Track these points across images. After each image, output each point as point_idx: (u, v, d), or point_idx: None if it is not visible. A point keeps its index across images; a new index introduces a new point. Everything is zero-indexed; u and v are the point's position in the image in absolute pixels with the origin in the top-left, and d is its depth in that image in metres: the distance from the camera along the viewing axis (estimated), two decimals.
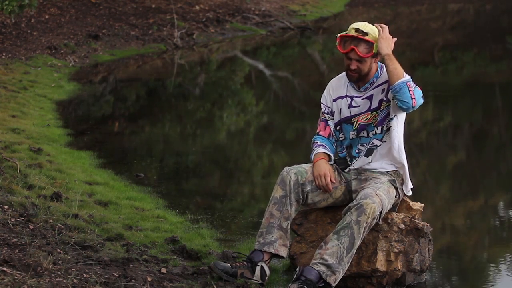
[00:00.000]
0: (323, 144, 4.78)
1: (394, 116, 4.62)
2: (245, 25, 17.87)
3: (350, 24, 4.65)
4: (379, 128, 4.66)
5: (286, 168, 4.68)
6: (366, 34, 4.55)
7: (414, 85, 4.49)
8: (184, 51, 15.46)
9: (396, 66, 4.49)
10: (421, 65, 14.21)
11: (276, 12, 19.31)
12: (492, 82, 12.54)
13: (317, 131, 4.86)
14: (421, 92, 4.54)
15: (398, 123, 4.66)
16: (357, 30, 4.57)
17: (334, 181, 4.66)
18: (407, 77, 4.49)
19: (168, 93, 12.01)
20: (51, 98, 10.37)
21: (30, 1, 12.79)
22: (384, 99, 4.62)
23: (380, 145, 4.67)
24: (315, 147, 4.79)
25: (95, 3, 17.03)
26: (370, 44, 4.55)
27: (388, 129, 4.65)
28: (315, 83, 12.71)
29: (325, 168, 4.65)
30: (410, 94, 4.45)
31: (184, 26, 16.49)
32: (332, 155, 4.76)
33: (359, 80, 4.66)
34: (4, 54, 12.59)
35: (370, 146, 4.69)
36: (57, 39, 14.27)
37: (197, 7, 18.14)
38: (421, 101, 4.51)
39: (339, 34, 4.63)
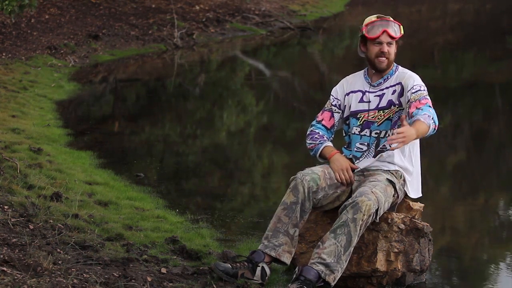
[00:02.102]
0: (325, 136, 4.79)
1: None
2: (245, 25, 17.86)
3: (364, 20, 4.72)
4: (392, 131, 4.67)
5: (299, 174, 4.62)
6: (389, 17, 4.69)
7: (432, 113, 4.45)
8: (184, 51, 15.45)
9: (423, 131, 4.42)
10: (421, 65, 14.20)
11: (276, 12, 19.30)
12: (492, 82, 12.53)
13: (319, 119, 4.85)
14: (435, 111, 4.52)
15: None
16: (378, 16, 4.69)
17: (356, 167, 4.70)
18: (431, 127, 4.42)
19: (168, 93, 12.00)
20: (51, 98, 10.37)
21: (30, 1, 12.78)
22: (396, 102, 4.64)
23: (389, 149, 4.68)
24: (320, 139, 4.77)
25: (95, 3, 17.03)
26: (397, 25, 4.65)
27: None
28: (315, 83, 12.70)
29: (346, 162, 4.68)
30: (433, 130, 4.44)
31: (184, 26, 16.48)
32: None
33: (386, 68, 4.68)
34: (4, 54, 12.59)
35: (380, 148, 4.70)
36: (57, 39, 14.27)
37: (197, 7, 18.14)
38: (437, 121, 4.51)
39: (364, 25, 4.67)
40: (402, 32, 4.68)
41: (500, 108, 10.68)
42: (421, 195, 4.82)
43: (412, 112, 4.47)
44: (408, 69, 4.78)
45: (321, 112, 4.89)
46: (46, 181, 6.03)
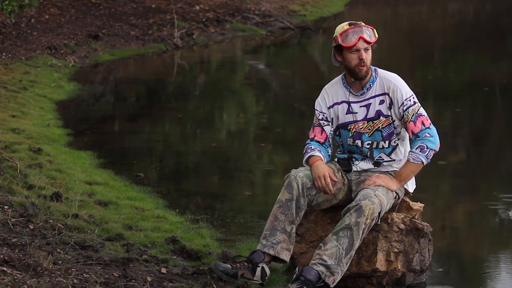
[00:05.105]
0: (317, 149, 4.74)
1: (399, 134, 4.68)
2: (245, 25, 17.86)
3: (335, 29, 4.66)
4: (387, 142, 4.66)
5: (293, 171, 4.63)
6: (361, 22, 4.60)
7: (428, 140, 4.54)
8: (184, 51, 15.45)
9: (410, 173, 4.63)
10: (421, 65, 14.19)
11: (276, 12, 19.30)
12: (492, 82, 12.53)
13: (311, 136, 4.80)
14: (434, 129, 4.58)
15: (405, 140, 4.73)
16: (350, 23, 4.60)
17: (336, 180, 4.62)
18: (424, 161, 4.56)
19: (168, 93, 12.00)
20: (51, 98, 10.36)
21: (30, 1, 12.78)
22: (386, 113, 4.61)
23: (388, 160, 4.68)
24: (309, 151, 4.74)
25: (95, 3, 17.03)
26: (370, 29, 4.58)
27: (396, 146, 4.67)
28: (315, 83, 12.69)
29: (324, 169, 4.61)
30: (430, 152, 4.58)
31: (184, 26, 16.48)
32: (325, 160, 4.73)
33: (366, 75, 4.62)
34: (4, 54, 12.58)
35: (377, 159, 4.69)
36: (57, 39, 14.27)
37: (197, 7, 18.14)
38: (438, 140, 4.59)
39: (338, 34, 4.60)
40: (377, 36, 4.59)
41: (500, 108, 10.68)
42: (415, 186, 4.83)
43: (411, 139, 4.60)
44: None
45: (311, 129, 4.81)
46: (46, 181, 6.03)
